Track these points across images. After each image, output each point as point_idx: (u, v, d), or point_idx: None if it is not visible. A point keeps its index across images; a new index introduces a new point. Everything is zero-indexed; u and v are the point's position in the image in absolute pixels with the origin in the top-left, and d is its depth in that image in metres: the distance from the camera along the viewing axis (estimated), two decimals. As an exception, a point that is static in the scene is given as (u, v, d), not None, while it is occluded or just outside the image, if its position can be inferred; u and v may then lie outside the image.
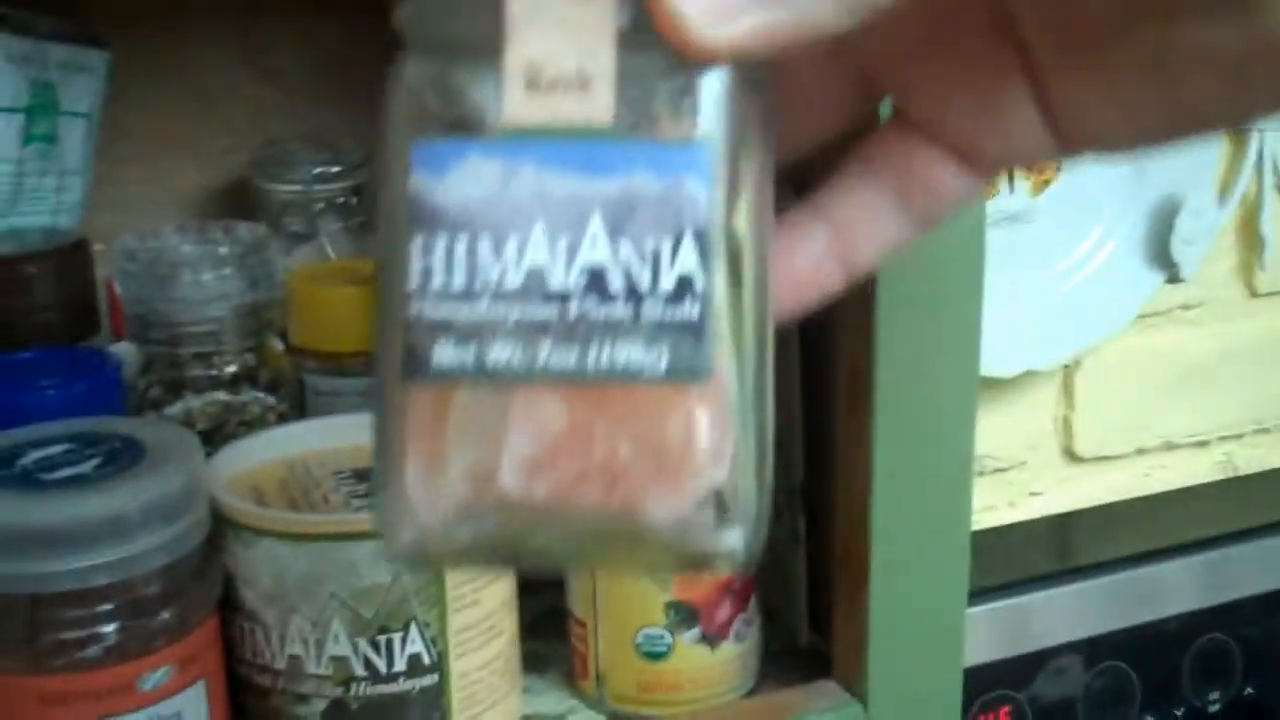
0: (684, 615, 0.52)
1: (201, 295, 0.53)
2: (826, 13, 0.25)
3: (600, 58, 0.25)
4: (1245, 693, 0.92)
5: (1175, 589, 0.90)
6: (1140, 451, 1.02)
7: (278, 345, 0.57)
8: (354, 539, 0.45)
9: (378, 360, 0.27)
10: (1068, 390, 0.99)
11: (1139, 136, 0.30)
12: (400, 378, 0.26)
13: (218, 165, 0.74)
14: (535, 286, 0.25)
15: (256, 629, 0.47)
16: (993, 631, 0.85)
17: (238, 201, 0.73)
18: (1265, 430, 1.06)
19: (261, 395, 0.54)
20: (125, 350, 0.54)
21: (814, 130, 0.33)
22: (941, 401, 0.51)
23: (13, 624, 0.42)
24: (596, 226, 0.25)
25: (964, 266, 0.50)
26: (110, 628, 0.42)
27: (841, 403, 0.52)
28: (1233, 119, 0.29)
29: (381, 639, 0.46)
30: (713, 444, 0.25)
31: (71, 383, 0.51)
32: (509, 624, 0.49)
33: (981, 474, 0.97)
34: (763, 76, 0.27)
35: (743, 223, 0.27)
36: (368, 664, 0.46)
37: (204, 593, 0.45)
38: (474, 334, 0.25)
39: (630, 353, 0.25)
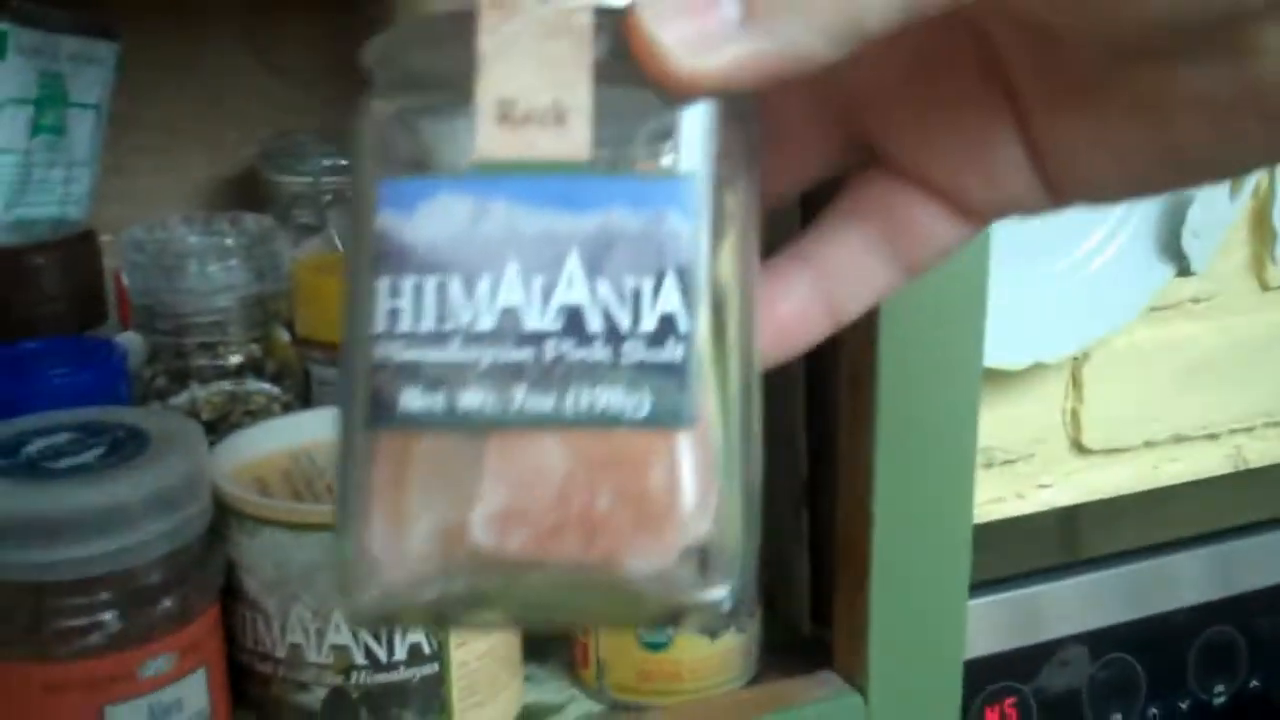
0: (684, 606, 0.52)
1: (207, 286, 0.53)
2: (812, 43, 0.24)
3: (576, 91, 0.24)
4: (1251, 685, 0.92)
5: (1182, 581, 0.90)
6: (1149, 444, 1.02)
7: (284, 336, 0.58)
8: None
9: (342, 406, 0.26)
10: (1076, 383, 0.98)
11: (1129, 184, 0.29)
12: (365, 425, 0.25)
13: (228, 157, 0.74)
14: (509, 328, 0.24)
15: (258, 617, 0.47)
16: (999, 623, 0.85)
17: (247, 193, 0.73)
18: (1275, 423, 1.06)
19: (267, 386, 0.55)
20: (131, 340, 0.55)
21: (800, 174, 0.32)
22: (944, 394, 0.51)
23: (16, 612, 0.42)
24: (573, 265, 0.24)
25: (968, 260, 0.50)
26: (112, 616, 0.43)
27: (844, 395, 0.52)
28: (1224, 168, 0.29)
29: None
30: (697, 493, 0.24)
31: (78, 372, 0.51)
32: (510, 614, 0.49)
33: (989, 466, 0.97)
34: (747, 109, 0.26)
35: (727, 261, 0.25)
36: (368, 653, 0.46)
37: (206, 581, 0.46)
38: (444, 378, 0.24)
39: (610, 397, 0.24)
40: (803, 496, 0.56)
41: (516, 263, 0.24)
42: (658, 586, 0.24)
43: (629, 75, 0.24)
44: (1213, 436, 1.04)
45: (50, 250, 0.56)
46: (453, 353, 0.24)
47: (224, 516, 0.47)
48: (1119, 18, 0.25)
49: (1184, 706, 0.90)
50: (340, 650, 0.46)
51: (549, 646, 0.56)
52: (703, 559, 0.24)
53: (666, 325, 0.24)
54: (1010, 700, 0.85)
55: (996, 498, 0.99)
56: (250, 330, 0.54)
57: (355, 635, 0.46)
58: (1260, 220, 1.01)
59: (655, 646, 0.52)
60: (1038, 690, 0.86)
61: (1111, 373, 0.98)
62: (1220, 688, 0.91)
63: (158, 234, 0.55)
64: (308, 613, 0.46)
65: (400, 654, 0.46)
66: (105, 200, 0.67)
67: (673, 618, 0.25)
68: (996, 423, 0.96)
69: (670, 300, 0.24)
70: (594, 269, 0.24)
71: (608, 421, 0.24)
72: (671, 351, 0.24)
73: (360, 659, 0.46)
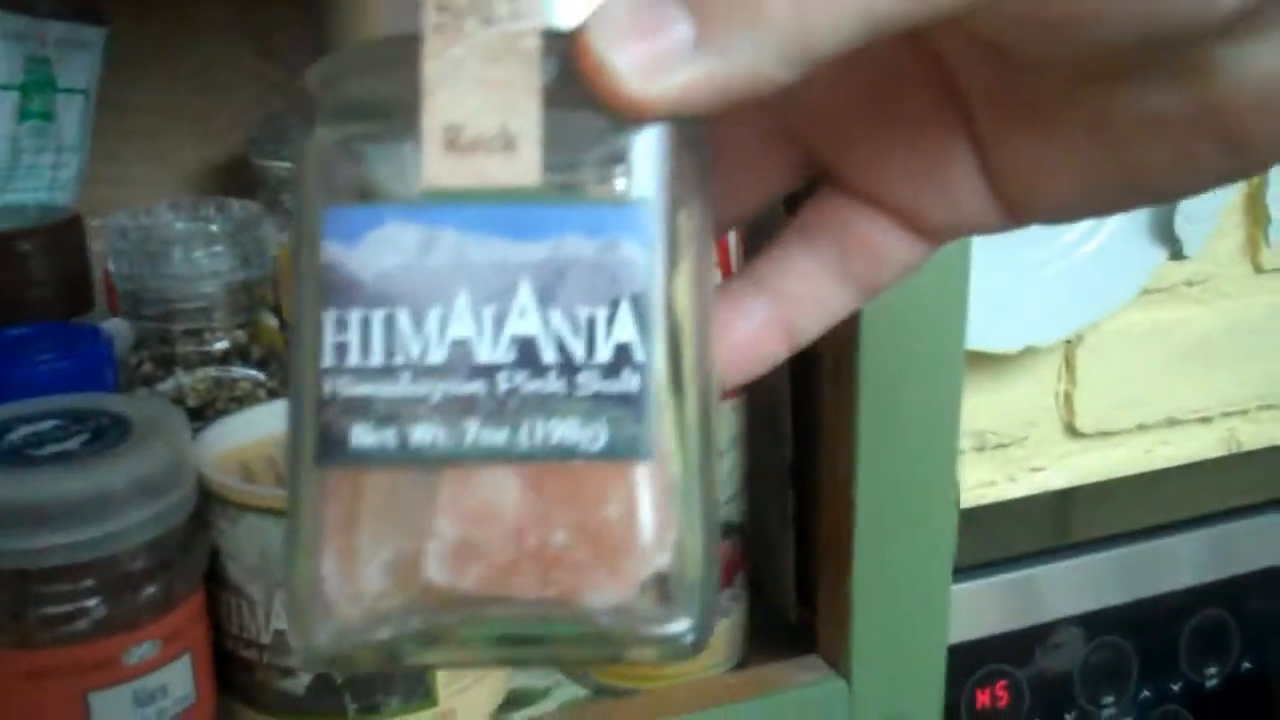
0: (670, 591, 0.52)
1: (193, 272, 0.53)
2: (766, 65, 0.23)
3: (525, 115, 0.23)
4: (1243, 668, 0.92)
5: (1175, 564, 0.90)
6: (1142, 427, 1.02)
7: (270, 322, 0.58)
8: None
9: (291, 441, 0.25)
10: (1069, 366, 0.98)
11: (1085, 203, 0.29)
12: (315, 461, 0.24)
13: (218, 141, 0.74)
14: (460, 361, 0.23)
15: (242, 603, 0.47)
16: (991, 606, 0.85)
17: (237, 177, 0.73)
18: (1269, 406, 1.06)
19: (252, 372, 0.55)
20: (117, 326, 0.55)
21: (755, 195, 0.32)
22: (926, 380, 0.51)
23: (0, 599, 0.42)
24: (525, 295, 0.23)
25: (950, 246, 0.49)
26: (96, 602, 0.43)
27: (826, 380, 0.52)
28: (1180, 188, 0.28)
29: (365, 614, 0.46)
30: (656, 525, 0.24)
31: (63, 359, 0.51)
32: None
33: (982, 449, 0.97)
34: (699, 131, 0.26)
35: (682, 287, 0.25)
36: (352, 639, 0.46)
37: (190, 568, 0.46)
38: (395, 413, 0.23)
39: (565, 429, 0.23)
40: (788, 480, 0.56)
41: (467, 293, 0.24)
42: (617, 620, 0.24)
43: (579, 98, 0.23)
44: (1206, 419, 1.04)
45: (37, 236, 0.56)
46: (403, 387, 0.24)
47: (208, 503, 0.47)
48: (1073, 39, 0.25)
49: (1176, 689, 0.90)
50: (324, 636, 0.46)
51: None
52: (662, 591, 0.24)
53: (622, 355, 0.23)
54: (1002, 683, 0.85)
55: (989, 481, 0.99)
56: (236, 316, 0.54)
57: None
58: (1254, 203, 1.00)
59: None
60: (1029, 673, 0.86)
61: (1105, 356, 0.98)
62: (1212, 670, 0.92)
63: (143, 220, 0.55)
64: (291, 599, 0.46)
65: (384, 640, 0.47)
66: (94, 184, 0.68)
67: (635, 652, 0.24)
68: (989, 406, 0.96)
69: (625, 329, 0.23)
70: (546, 298, 0.23)
71: (563, 454, 0.23)
72: (627, 382, 0.23)
73: (344, 645, 0.46)
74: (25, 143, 0.61)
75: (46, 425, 0.45)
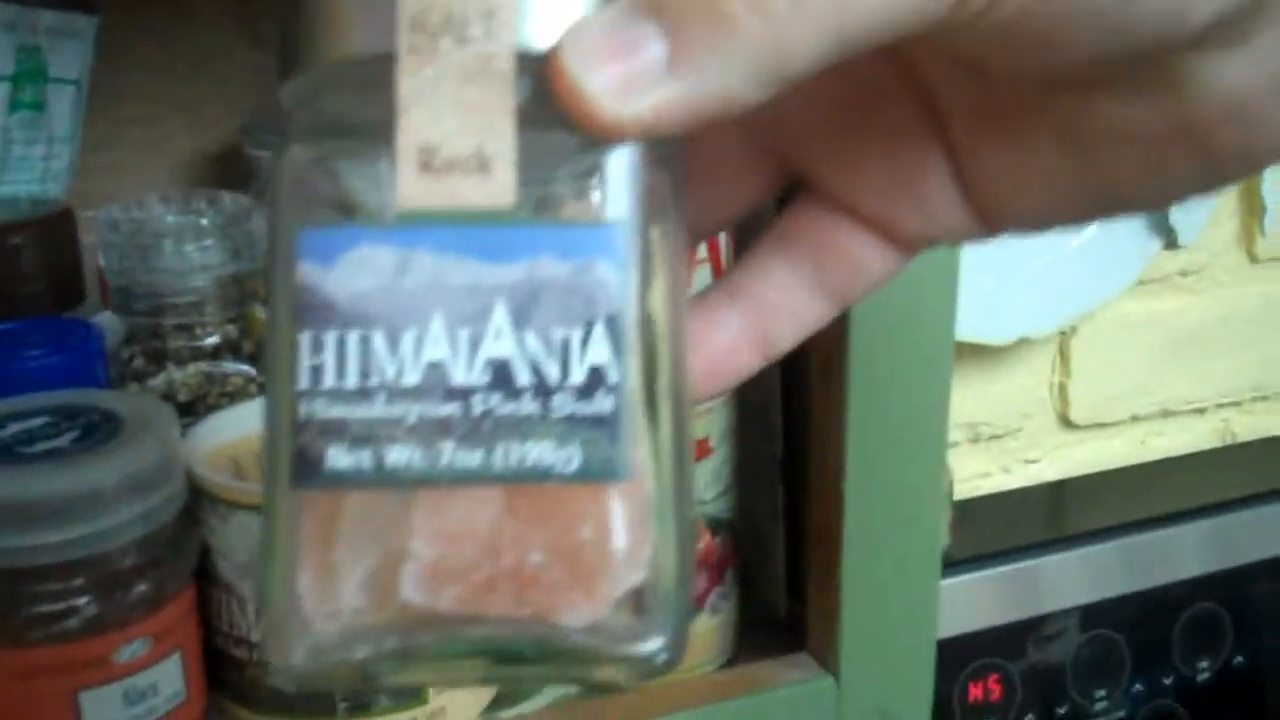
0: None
1: (183, 266, 0.53)
2: (739, 85, 0.23)
3: (499, 136, 0.23)
4: (1235, 661, 0.92)
5: (1168, 557, 0.90)
6: (1136, 419, 1.02)
7: (262, 315, 0.58)
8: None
9: (266, 462, 0.25)
10: (1064, 357, 0.98)
11: (1058, 214, 0.29)
12: (291, 483, 0.24)
13: (211, 131, 0.74)
14: (435, 383, 0.24)
15: (233, 601, 0.47)
16: (984, 599, 0.85)
17: (231, 167, 0.73)
18: (1264, 397, 1.06)
19: (244, 366, 0.54)
20: (109, 320, 0.55)
21: (731, 206, 0.32)
22: (916, 374, 0.51)
23: (-10, 597, 0.42)
24: (500, 316, 0.24)
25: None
26: (87, 600, 0.43)
27: (816, 376, 0.52)
28: (1153, 200, 0.28)
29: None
30: (630, 547, 0.24)
31: (53, 354, 0.51)
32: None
33: (976, 441, 0.97)
34: (672, 150, 0.26)
35: (657, 305, 0.25)
36: (342, 636, 0.46)
37: (180, 565, 0.46)
38: (370, 435, 0.24)
39: (540, 451, 0.23)
40: (778, 475, 0.56)
41: (441, 315, 0.24)
42: (592, 640, 0.24)
43: (553, 118, 0.23)
44: (1200, 410, 1.04)
45: (28, 229, 0.56)
46: (378, 409, 0.24)
47: (198, 500, 0.47)
48: (1045, 54, 0.25)
49: (1168, 682, 0.91)
50: (314, 634, 0.46)
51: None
52: (637, 610, 0.24)
53: (596, 377, 0.24)
54: (994, 676, 0.85)
55: (983, 472, 0.99)
56: (227, 310, 0.54)
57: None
58: (1249, 193, 1.00)
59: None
60: (1022, 666, 0.86)
61: (1099, 347, 0.98)
62: (1205, 664, 0.92)
63: (134, 213, 0.54)
64: (282, 596, 0.46)
65: (374, 637, 0.47)
66: (87, 174, 0.67)
67: (610, 670, 0.25)
68: (983, 397, 0.96)
69: (599, 351, 0.24)
70: (521, 320, 0.24)
71: (538, 476, 0.23)
72: (601, 404, 0.24)
73: (334, 642, 0.46)
74: (16, 134, 0.61)
75: (37, 422, 0.45)
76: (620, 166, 0.24)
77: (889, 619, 0.53)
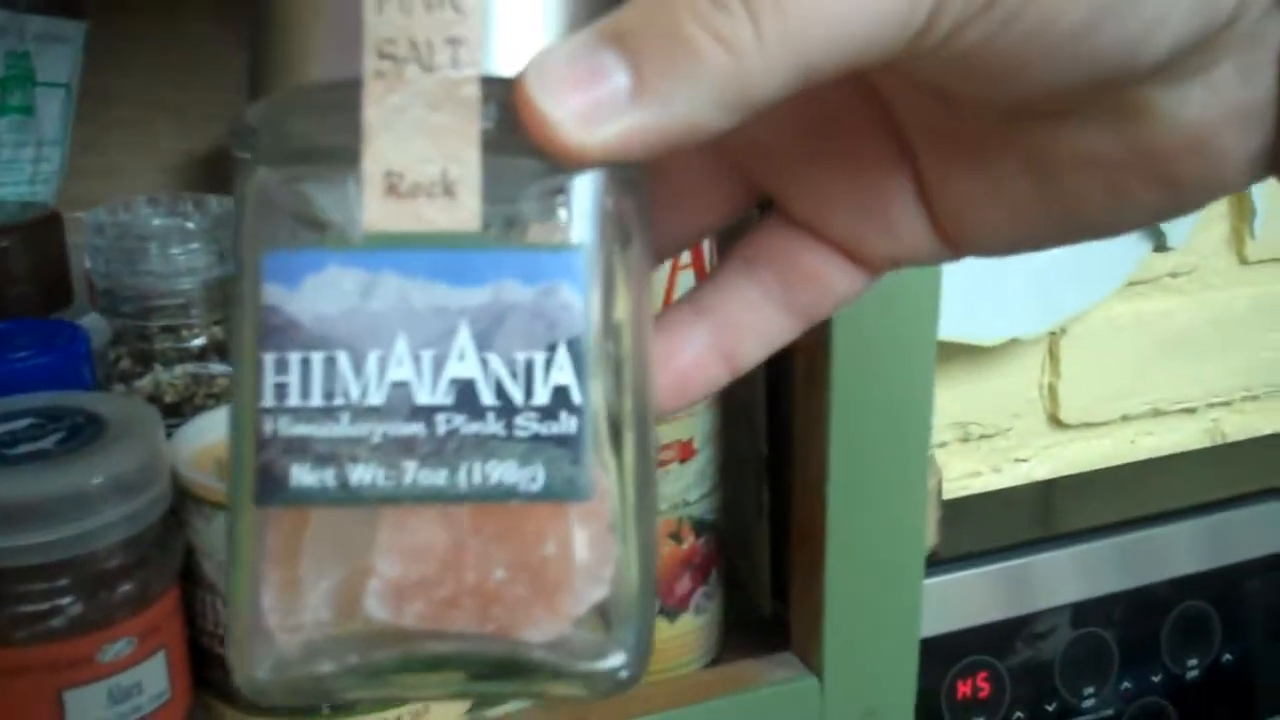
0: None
1: (169, 269, 0.53)
2: (703, 112, 0.23)
3: (465, 161, 0.23)
4: (1224, 659, 0.93)
5: (1158, 556, 0.90)
6: (1126, 418, 1.02)
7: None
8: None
9: (231, 478, 0.25)
10: (1054, 357, 0.99)
11: (1022, 239, 0.29)
12: (255, 500, 0.24)
13: (200, 133, 0.74)
14: (399, 403, 0.24)
15: (217, 601, 0.47)
16: (973, 597, 0.85)
17: (221, 169, 0.73)
18: (1253, 397, 1.06)
19: (230, 368, 0.55)
20: (95, 322, 0.55)
21: (699, 224, 0.32)
22: (899, 375, 0.51)
23: (-26, 598, 0.42)
24: (464, 338, 0.24)
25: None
26: (71, 600, 0.43)
27: (800, 377, 0.52)
28: (1113, 225, 0.29)
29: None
30: (592, 564, 0.24)
31: (40, 355, 0.51)
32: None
33: (966, 440, 0.98)
34: (638, 174, 0.26)
35: (622, 328, 0.25)
36: (326, 636, 0.47)
37: (165, 565, 0.46)
38: (334, 454, 0.24)
39: (503, 471, 0.24)
40: (763, 475, 0.56)
41: (406, 337, 0.24)
42: (554, 655, 0.24)
43: (518, 144, 0.23)
44: (1190, 410, 1.05)
45: (16, 232, 0.56)
46: (343, 428, 0.24)
47: (183, 501, 0.47)
48: (1006, 83, 0.25)
49: (1156, 680, 0.91)
50: (298, 633, 0.46)
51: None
52: (599, 627, 0.24)
53: (559, 398, 0.24)
54: (983, 674, 0.85)
55: (973, 472, 0.99)
56: (213, 313, 0.54)
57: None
58: (1239, 196, 1.00)
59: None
60: (1011, 664, 0.86)
61: (1089, 347, 0.99)
62: (1193, 662, 0.92)
63: (120, 216, 0.55)
64: (266, 596, 0.46)
65: (358, 637, 0.47)
66: (77, 176, 0.68)
67: (573, 685, 0.25)
68: (973, 397, 0.97)
69: (563, 373, 0.24)
70: (485, 342, 0.24)
71: (502, 495, 0.24)
72: (565, 424, 0.24)
73: (318, 642, 0.47)
74: (5, 137, 0.61)
75: (21, 424, 0.45)
76: (585, 191, 0.25)
77: (873, 619, 0.53)
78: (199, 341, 0.54)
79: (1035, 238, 0.29)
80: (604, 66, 0.23)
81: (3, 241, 0.56)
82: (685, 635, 0.54)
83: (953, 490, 0.96)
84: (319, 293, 0.24)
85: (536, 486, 0.24)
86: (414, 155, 0.23)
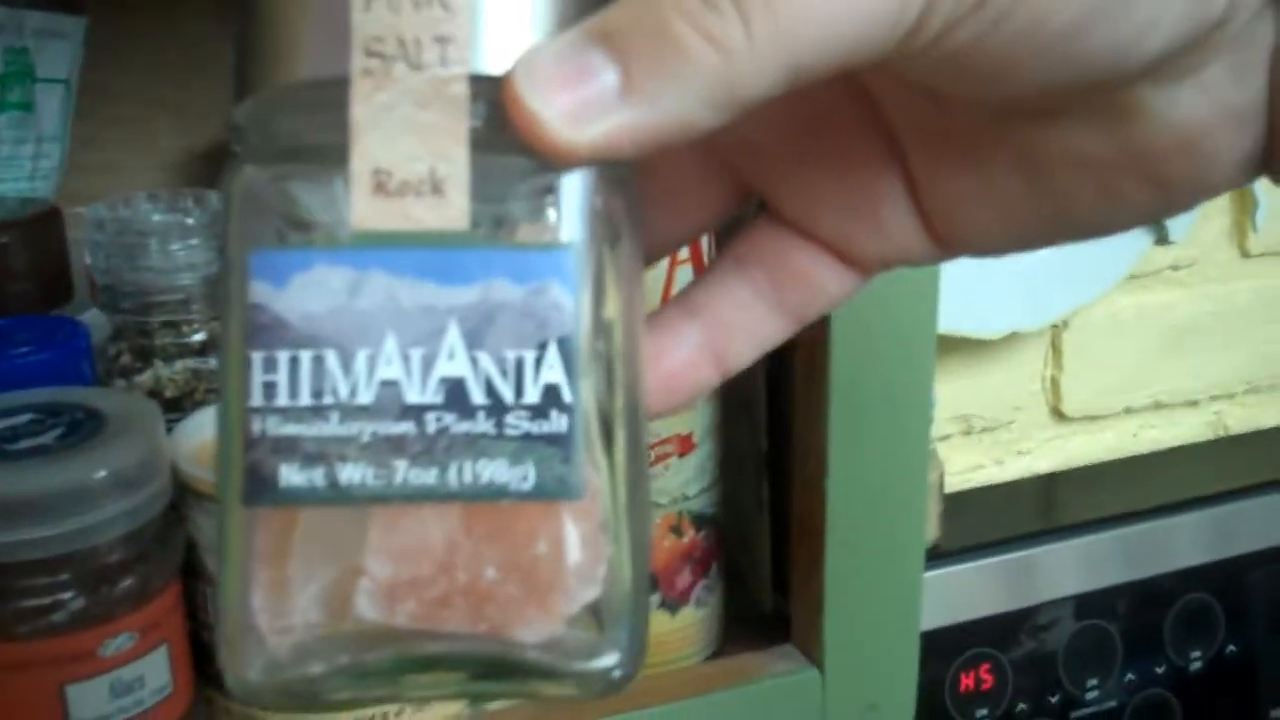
0: (645, 581, 0.52)
1: (169, 264, 0.53)
2: (692, 110, 0.23)
3: (453, 160, 0.23)
4: (1227, 651, 0.93)
5: (1161, 548, 0.90)
6: (1129, 411, 1.02)
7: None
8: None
9: (221, 478, 0.25)
10: (1056, 350, 0.99)
11: (1013, 239, 0.29)
12: (244, 499, 0.24)
13: (201, 129, 0.74)
14: (389, 401, 0.24)
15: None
16: (976, 589, 0.85)
17: (220, 165, 0.73)
18: (1256, 390, 1.06)
19: (231, 363, 0.55)
20: (95, 317, 0.55)
21: (690, 224, 0.32)
22: (898, 368, 0.51)
23: (-24, 593, 0.42)
24: (454, 337, 0.24)
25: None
26: (73, 595, 0.43)
27: (799, 370, 0.52)
28: (1104, 225, 0.29)
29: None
30: (584, 563, 0.24)
31: (40, 351, 0.51)
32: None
33: (969, 433, 0.98)
34: (627, 172, 0.26)
35: (611, 326, 0.25)
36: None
37: (166, 560, 0.46)
38: (324, 453, 0.24)
39: (494, 470, 0.23)
40: (763, 469, 0.56)
41: (395, 335, 0.24)
42: (547, 655, 0.24)
43: (507, 143, 0.23)
44: (1193, 403, 1.05)
45: (15, 228, 0.57)
46: (332, 427, 0.24)
47: (183, 495, 0.47)
48: (997, 84, 0.25)
49: (1160, 672, 0.91)
50: (299, 628, 0.46)
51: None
52: (591, 626, 0.24)
53: (550, 396, 0.24)
54: (986, 666, 0.85)
55: (976, 465, 0.99)
56: (213, 308, 0.54)
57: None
58: (1241, 189, 1.00)
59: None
60: (1014, 656, 0.86)
61: (1091, 340, 0.99)
62: (1196, 654, 0.92)
63: (120, 212, 0.55)
64: (267, 591, 0.46)
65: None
66: (77, 172, 0.68)
67: (566, 684, 0.25)
68: (976, 390, 0.97)
69: (553, 371, 0.24)
70: (475, 341, 0.24)
71: (492, 494, 0.23)
72: (556, 423, 0.24)
73: (319, 636, 0.47)
74: (5, 133, 0.61)
75: (22, 419, 0.46)
76: (574, 190, 0.25)
77: (874, 612, 0.53)
78: (199, 337, 0.54)
79: (1026, 237, 0.29)
80: (592, 65, 0.23)
81: (3, 237, 0.56)
82: (686, 628, 0.54)
83: (955, 483, 0.96)
84: (307, 291, 0.24)
85: (528, 485, 0.24)
86: (402, 153, 0.23)
